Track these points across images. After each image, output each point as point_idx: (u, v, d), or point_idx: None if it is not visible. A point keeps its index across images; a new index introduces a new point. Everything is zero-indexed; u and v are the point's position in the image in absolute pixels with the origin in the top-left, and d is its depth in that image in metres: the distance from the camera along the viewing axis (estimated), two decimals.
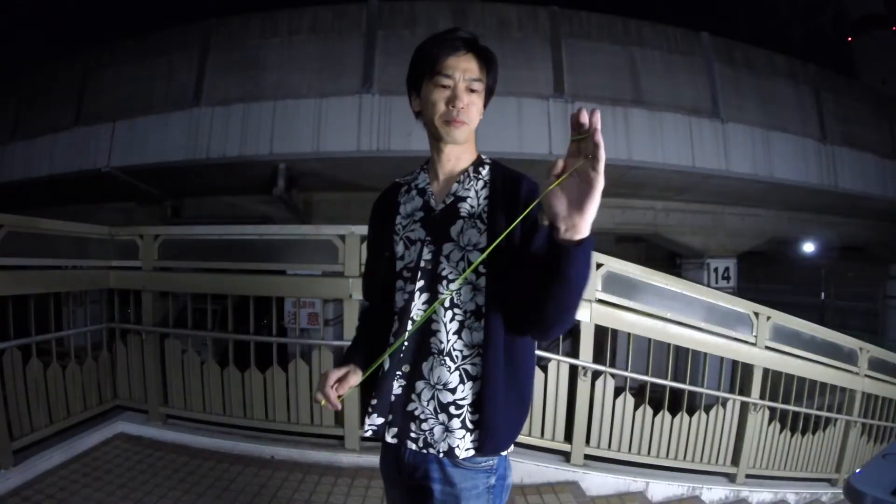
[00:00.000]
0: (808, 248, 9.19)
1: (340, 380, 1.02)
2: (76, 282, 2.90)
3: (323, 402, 1.00)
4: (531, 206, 0.87)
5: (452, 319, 0.99)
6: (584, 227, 0.78)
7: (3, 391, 2.36)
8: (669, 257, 8.33)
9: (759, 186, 6.47)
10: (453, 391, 0.98)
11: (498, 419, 0.97)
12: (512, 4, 6.02)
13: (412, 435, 1.00)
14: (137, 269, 2.95)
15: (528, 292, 0.89)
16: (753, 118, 6.32)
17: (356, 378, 1.03)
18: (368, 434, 1.03)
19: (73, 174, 6.13)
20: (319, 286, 2.83)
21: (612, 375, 2.76)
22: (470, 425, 0.98)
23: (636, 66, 6.01)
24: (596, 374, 2.73)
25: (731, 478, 3.07)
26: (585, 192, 0.77)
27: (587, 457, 2.75)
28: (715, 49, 6.35)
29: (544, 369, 2.67)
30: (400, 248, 1.06)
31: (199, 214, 7.08)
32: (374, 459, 2.50)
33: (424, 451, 0.99)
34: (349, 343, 1.22)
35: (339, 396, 1.02)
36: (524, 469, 2.61)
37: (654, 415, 2.86)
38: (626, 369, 2.81)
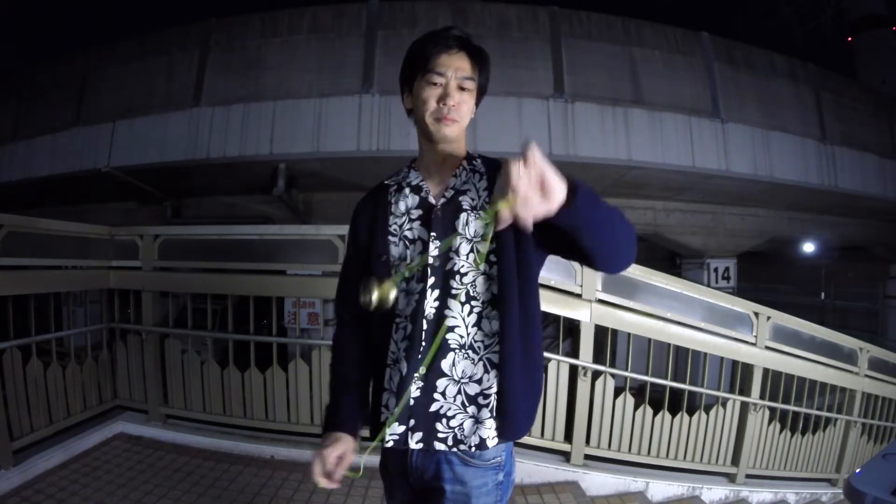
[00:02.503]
0: (808, 248, 9.18)
1: (340, 457, 0.97)
2: (76, 282, 2.90)
3: (321, 485, 0.96)
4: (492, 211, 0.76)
5: (470, 313, 0.99)
6: (555, 201, 0.74)
7: (3, 391, 2.36)
8: (669, 257, 8.33)
9: (759, 186, 6.47)
10: (479, 382, 0.99)
11: (518, 403, 0.99)
12: (512, 4, 6.02)
13: (440, 435, 0.98)
14: (137, 269, 2.95)
15: (577, 248, 0.87)
16: (753, 118, 6.31)
17: (352, 453, 0.99)
18: (390, 444, 1.00)
19: (73, 174, 6.13)
20: (319, 286, 2.83)
21: (612, 375, 2.76)
22: (494, 413, 0.99)
23: (636, 66, 6.01)
24: (596, 374, 2.73)
25: (731, 478, 3.07)
26: (542, 191, 0.72)
27: (587, 457, 2.75)
28: (715, 49, 6.35)
29: (544, 369, 2.67)
30: (398, 249, 1.04)
31: (199, 214, 7.08)
32: (374, 459, 2.49)
33: (454, 448, 0.98)
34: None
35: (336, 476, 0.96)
36: (524, 469, 2.61)
37: (654, 415, 2.86)
38: (626, 369, 2.81)
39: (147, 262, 2.92)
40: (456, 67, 1.00)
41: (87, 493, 2.28)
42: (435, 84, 1.00)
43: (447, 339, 0.99)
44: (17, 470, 2.31)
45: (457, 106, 1.00)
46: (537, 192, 0.72)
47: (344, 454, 0.97)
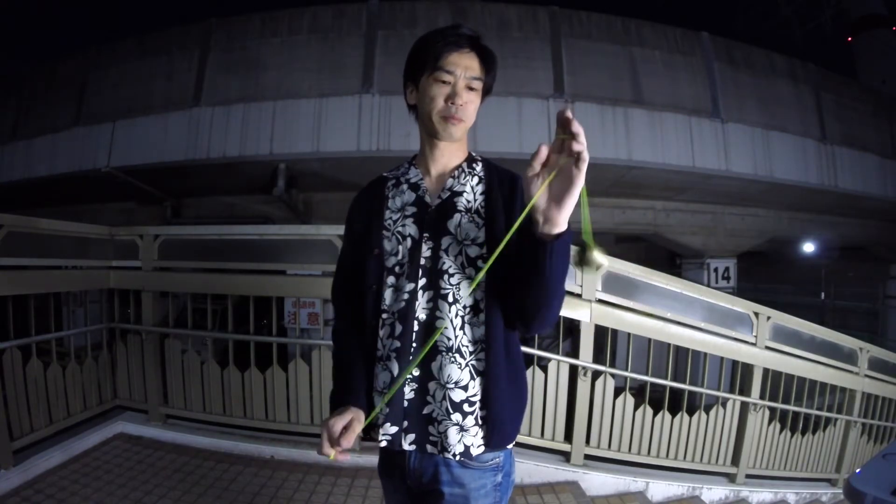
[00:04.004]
0: (808, 248, 9.18)
1: (346, 427, 0.92)
2: (76, 282, 2.90)
3: (332, 457, 0.91)
4: (528, 207, 0.82)
5: (456, 315, 0.98)
6: (561, 222, 0.79)
7: (3, 391, 2.36)
8: (669, 257, 8.33)
9: (759, 186, 6.47)
10: (465, 388, 0.97)
11: (504, 413, 0.98)
12: (512, 4, 6.02)
13: (431, 438, 0.98)
14: (137, 269, 2.95)
15: (511, 285, 0.91)
16: (753, 118, 6.31)
17: (359, 422, 0.94)
18: (383, 444, 0.99)
19: (73, 174, 6.13)
20: (319, 286, 2.83)
21: (612, 375, 2.76)
22: (480, 422, 0.98)
23: (636, 66, 6.01)
24: (596, 374, 2.73)
25: (731, 478, 3.07)
26: (565, 189, 0.77)
27: (587, 457, 2.75)
28: (715, 49, 6.35)
29: (544, 369, 2.67)
30: (391, 244, 1.03)
31: (199, 214, 7.08)
32: (374, 459, 2.49)
33: (441, 454, 0.97)
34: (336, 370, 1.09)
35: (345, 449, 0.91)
36: (524, 469, 2.61)
37: (654, 415, 2.86)
38: (626, 369, 2.81)
39: (147, 262, 2.92)
40: (466, 67, 0.98)
41: (87, 493, 2.28)
42: (444, 82, 0.98)
43: (435, 341, 0.98)
44: (17, 470, 2.31)
45: (464, 105, 0.99)
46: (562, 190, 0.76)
47: (351, 423, 0.93)
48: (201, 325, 3.16)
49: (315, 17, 5.88)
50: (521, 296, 0.91)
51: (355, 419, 0.94)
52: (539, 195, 0.79)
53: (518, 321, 0.97)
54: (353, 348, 1.08)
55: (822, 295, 11.15)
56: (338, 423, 0.92)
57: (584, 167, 0.75)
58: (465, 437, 0.96)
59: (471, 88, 1.00)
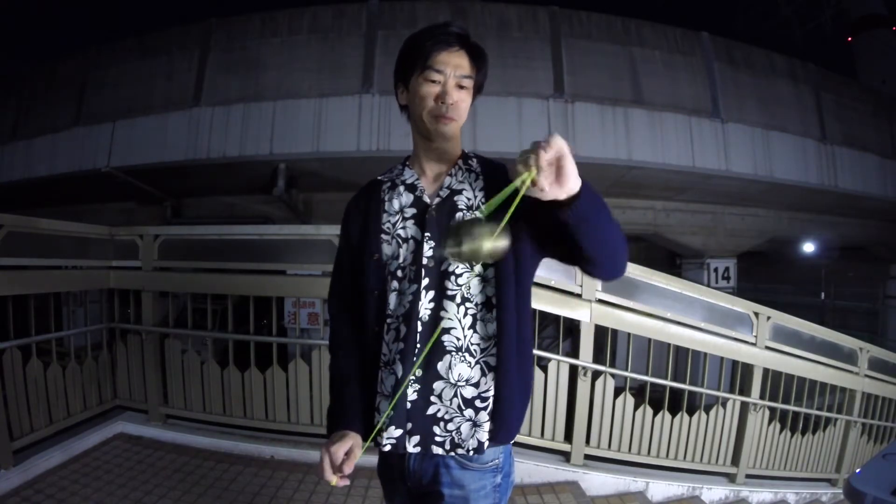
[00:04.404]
0: (808, 248, 9.18)
1: (346, 453, 0.94)
2: (76, 282, 2.90)
3: (334, 483, 0.92)
4: (510, 214, 0.80)
5: (465, 314, 0.98)
6: (569, 190, 0.77)
7: (3, 391, 2.36)
8: (669, 257, 8.33)
9: (759, 186, 6.47)
10: (477, 385, 0.97)
11: (514, 407, 0.99)
12: (512, 4, 6.02)
13: (437, 439, 0.97)
14: (137, 269, 2.95)
15: (576, 249, 0.87)
16: (753, 118, 6.31)
17: (359, 448, 0.96)
18: (388, 449, 0.98)
19: (73, 174, 6.13)
20: (319, 286, 2.83)
21: (612, 375, 2.76)
22: (489, 416, 0.98)
23: (636, 66, 6.01)
24: (596, 374, 2.73)
25: (731, 478, 3.07)
26: (558, 173, 0.75)
27: (587, 457, 2.75)
28: (715, 49, 6.35)
29: (544, 369, 2.67)
30: (391, 248, 1.02)
31: (199, 214, 7.08)
32: (373, 459, 2.48)
33: (453, 451, 0.97)
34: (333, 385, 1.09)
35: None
36: (524, 469, 2.61)
37: (654, 415, 2.86)
38: (626, 369, 2.81)
39: (147, 262, 2.92)
40: (455, 65, 0.98)
41: (87, 493, 2.28)
42: (434, 82, 0.98)
43: (443, 342, 0.97)
44: (17, 470, 2.31)
45: (455, 104, 0.99)
46: (555, 171, 0.75)
47: (351, 449, 0.95)
48: (201, 325, 3.16)
49: (315, 17, 5.88)
50: (591, 251, 0.87)
51: (355, 445, 0.95)
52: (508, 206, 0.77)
53: (605, 270, 0.95)
54: (351, 361, 1.07)
55: (822, 295, 11.14)
56: (340, 451, 0.93)
57: (550, 154, 0.74)
58: (479, 432, 0.97)
59: (461, 87, 0.99)
